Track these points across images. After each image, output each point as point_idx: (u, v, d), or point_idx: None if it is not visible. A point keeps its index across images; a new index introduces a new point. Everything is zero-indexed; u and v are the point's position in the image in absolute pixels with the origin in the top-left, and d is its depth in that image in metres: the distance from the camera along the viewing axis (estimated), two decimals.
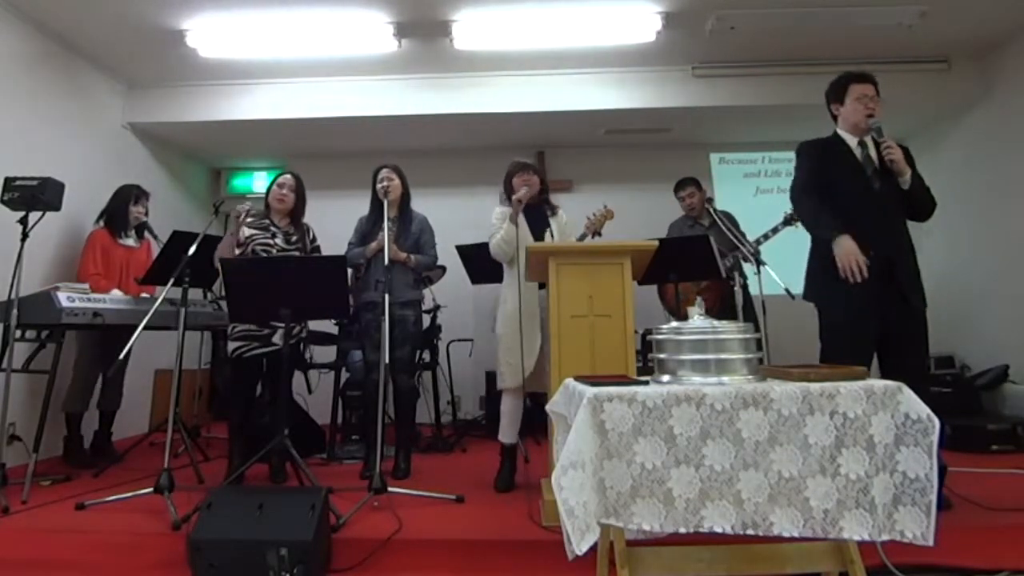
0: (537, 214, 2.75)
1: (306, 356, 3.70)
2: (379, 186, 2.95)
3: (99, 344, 3.21)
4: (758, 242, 3.37)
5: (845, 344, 2.14)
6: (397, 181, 2.98)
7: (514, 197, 2.62)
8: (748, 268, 3.33)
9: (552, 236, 2.71)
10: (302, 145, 4.84)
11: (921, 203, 2.26)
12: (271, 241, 2.84)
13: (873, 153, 2.26)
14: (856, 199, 2.22)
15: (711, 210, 3.32)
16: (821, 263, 2.27)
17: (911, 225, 2.29)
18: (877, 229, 2.16)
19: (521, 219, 2.66)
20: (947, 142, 4.48)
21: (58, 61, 3.62)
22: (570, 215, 2.94)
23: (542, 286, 2.61)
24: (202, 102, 4.26)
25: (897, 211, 2.23)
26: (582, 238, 2.93)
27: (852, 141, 2.30)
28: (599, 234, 2.91)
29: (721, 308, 3.43)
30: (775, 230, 3.35)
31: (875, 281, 2.11)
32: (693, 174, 3.91)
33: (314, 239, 3.03)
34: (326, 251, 3.00)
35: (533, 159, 4.92)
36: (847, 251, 2.09)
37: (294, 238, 2.93)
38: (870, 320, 2.14)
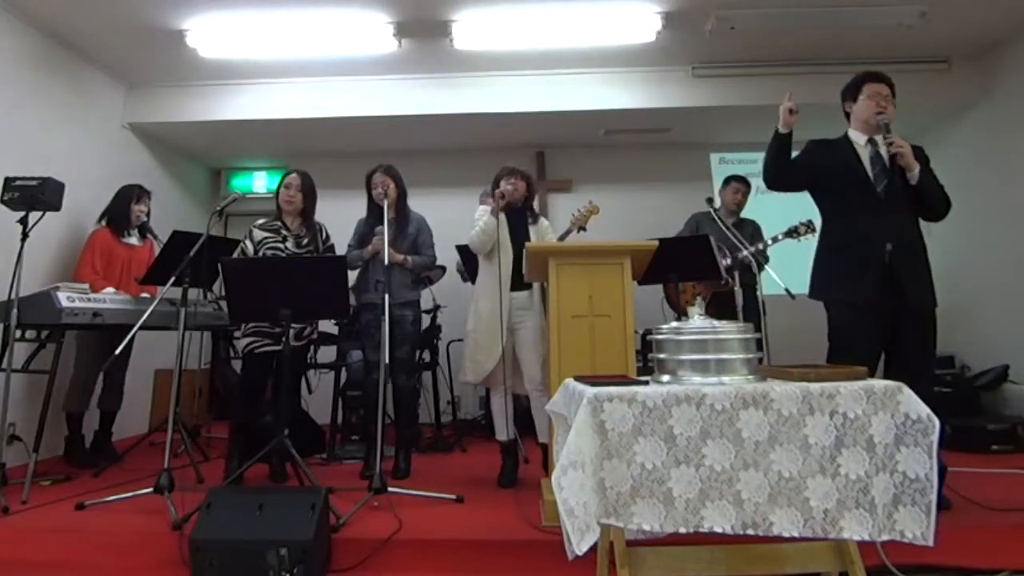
0: (519, 218, 2.80)
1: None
2: (375, 192, 2.96)
3: (98, 344, 3.21)
4: (766, 245, 3.37)
5: (853, 343, 2.15)
6: (392, 184, 2.96)
7: (497, 191, 2.73)
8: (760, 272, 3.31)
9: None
10: (302, 145, 4.84)
11: (932, 201, 2.23)
12: (281, 245, 2.86)
13: (883, 151, 2.23)
14: (855, 197, 2.22)
15: (712, 210, 3.32)
16: (827, 262, 2.28)
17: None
18: (876, 227, 2.15)
19: (502, 219, 2.72)
20: (947, 142, 4.48)
21: (58, 61, 3.62)
22: (569, 215, 2.97)
23: (515, 288, 2.65)
24: (202, 102, 4.26)
25: (903, 209, 2.19)
26: (567, 233, 2.97)
27: (861, 140, 2.29)
28: (584, 229, 2.94)
29: (720, 306, 3.43)
30: (775, 239, 3.34)
31: (877, 279, 2.11)
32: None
33: (327, 238, 3.05)
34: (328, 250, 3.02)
35: (533, 159, 4.99)
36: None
37: (304, 240, 2.93)
38: (875, 318, 2.13)
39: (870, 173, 2.22)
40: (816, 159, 2.32)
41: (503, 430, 2.74)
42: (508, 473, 2.70)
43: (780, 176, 2.31)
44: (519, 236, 2.72)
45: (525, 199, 2.85)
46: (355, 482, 2.66)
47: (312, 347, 3.25)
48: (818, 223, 2.48)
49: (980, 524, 1.99)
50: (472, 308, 2.79)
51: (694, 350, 1.50)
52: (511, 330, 2.66)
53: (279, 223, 2.92)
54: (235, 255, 2.83)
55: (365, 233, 3.02)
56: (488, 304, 2.67)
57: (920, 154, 2.25)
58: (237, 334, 2.77)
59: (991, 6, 3.48)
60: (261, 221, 2.92)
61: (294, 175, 2.96)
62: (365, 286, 2.97)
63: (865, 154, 2.26)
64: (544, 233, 2.85)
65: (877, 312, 2.13)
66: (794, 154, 2.32)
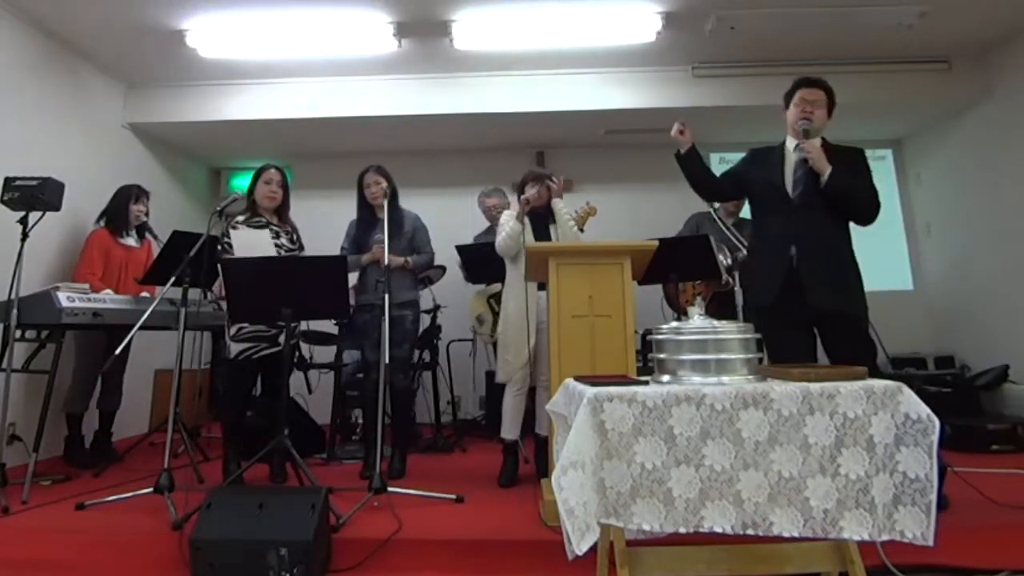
0: (540, 220, 2.84)
1: (304, 355, 3.70)
2: (367, 191, 2.98)
3: (97, 345, 3.21)
4: None
5: (772, 346, 2.18)
6: (384, 184, 2.95)
7: (522, 197, 2.75)
8: None
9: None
10: (302, 145, 4.84)
11: (847, 204, 2.19)
12: (278, 241, 2.85)
13: None
14: (771, 202, 2.26)
15: (712, 210, 3.32)
16: (746, 267, 2.40)
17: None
18: (784, 231, 2.17)
19: (526, 223, 2.76)
20: (947, 142, 4.48)
21: (58, 61, 3.62)
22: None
23: (541, 287, 2.66)
24: (202, 102, 4.26)
25: (817, 213, 2.16)
26: None
27: (791, 145, 2.32)
28: (582, 230, 2.95)
29: (720, 306, 3.43)
30: None
31: (777, 283, 2.14)
32: None
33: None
34: (327, 251, 3.00)
35: (533, 159, 4.99)
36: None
37: (294, 236, 2.95)
38: (783, 321, 2.14)
39: (789, 178, 2.24)
40: (743, 168, 2.41)
41: (510, 428, 2.73)
42: (509, 472, 2.71)
43: (699, 188, 2.45)
44: (541, 237, 2.78)
45: (547, 201, 2.88)
46: (355, 482, 2.66)
47: (299, 344, 3.26)
48: None
49: (980, 524, 1.99)
50: (502, 310, 2.82)
51: (694, 350, 1.49)
52: (539, 328, 2.68)
53: (263, 219, 2.87)
54: (224, 253, 2.76)
55: (359, 236, 3.03)
56: (515, 304, 2.70)
57: (857, 157, 2.24)
58: (226, 338, 2.73)
59: (991, 6, 3.48)
60: (241, 218, 2.85)
61: (273, 171, 2.90)
62: (364, 287, 2.98)
63: (792, 159, 2.28)
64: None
65: (783, 315, 2.13)
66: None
